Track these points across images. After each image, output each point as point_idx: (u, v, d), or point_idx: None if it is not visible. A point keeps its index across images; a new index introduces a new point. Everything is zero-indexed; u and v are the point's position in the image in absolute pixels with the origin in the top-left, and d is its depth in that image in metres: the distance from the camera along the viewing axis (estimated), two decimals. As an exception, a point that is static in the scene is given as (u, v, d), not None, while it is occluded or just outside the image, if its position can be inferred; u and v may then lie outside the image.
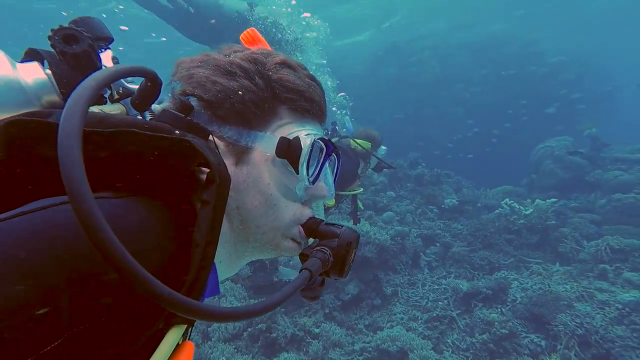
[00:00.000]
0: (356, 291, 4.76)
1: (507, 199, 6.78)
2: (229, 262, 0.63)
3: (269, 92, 0.61)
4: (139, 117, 0.60)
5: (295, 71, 0.63)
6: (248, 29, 0.75)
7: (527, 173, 8.85)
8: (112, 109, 0.61)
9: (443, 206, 7.31)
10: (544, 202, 6.51)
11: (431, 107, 16.24)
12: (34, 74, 0.56)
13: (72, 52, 0.55)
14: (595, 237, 5.64)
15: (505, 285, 4.82)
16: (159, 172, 0.44)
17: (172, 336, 0.41)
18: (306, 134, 0.61)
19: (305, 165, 0.60)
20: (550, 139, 8.21)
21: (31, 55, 0.58)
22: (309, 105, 0.63)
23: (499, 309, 4.48)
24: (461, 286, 4.78)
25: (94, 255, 0.33)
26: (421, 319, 4.53)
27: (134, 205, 0.41)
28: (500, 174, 10.78)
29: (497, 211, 6.66)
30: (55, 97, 0.56)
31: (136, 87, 0.62)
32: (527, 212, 6.34)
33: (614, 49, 19.10)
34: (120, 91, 0.66)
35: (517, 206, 6.52)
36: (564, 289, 4.31)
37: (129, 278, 0.32)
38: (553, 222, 6.12)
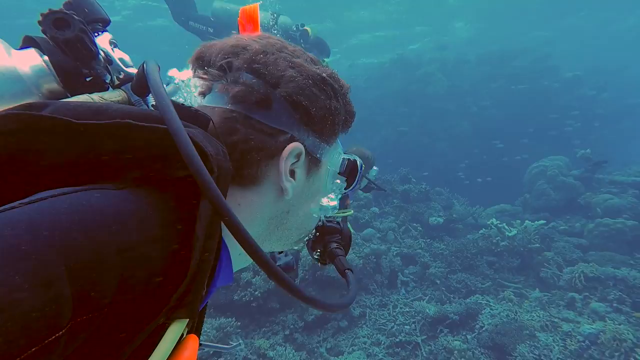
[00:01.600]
0: (320, 312, 4.73)
1: (494, 219, 6.61)
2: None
3: (344, 116, 0.67)
4: (142, 103, 0.62)
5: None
6: (253, 5, 0.73)
7: (523, 192, 8.61)
8: (113, 95, 0.60)
9: (428, 224, 7.20)
10: (532, 223, 6.31)
11: (437, 121, 16.05)
12: (30, 60, 0.55)
13: (64, 37, 0.55)
14: (579, 262, 5.42)
15: (476, 311, 4.67)
16: (157, 163, 0.44)
17: (174, 330, 0.41)
18: (356, 159, 0.72)
19: (357, 183, 0.71)
20: (544, 158, 7.98)
21: (28, 42, 0.58)
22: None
23: (465, 336, 4.36)
24: (428, 310, 4.68)
25: (93, 245, 0.33)
26: (384, 343, 4.44)
27: (135, 196, 0.41)
28: (505, 192, 10.50)
29: (481, 231, 6.49)
30: (54, 85, 0.56)
31: (135, 71, 0.61)
32: (510, 234, 6.16)
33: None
34: (121, 76, 0.65)
35: (505, 227, 6.35)
36: (529, 318, 4.14)
37: (262, 267, 0.45)
38: (537, 245, 5.91)
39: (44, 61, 0.56)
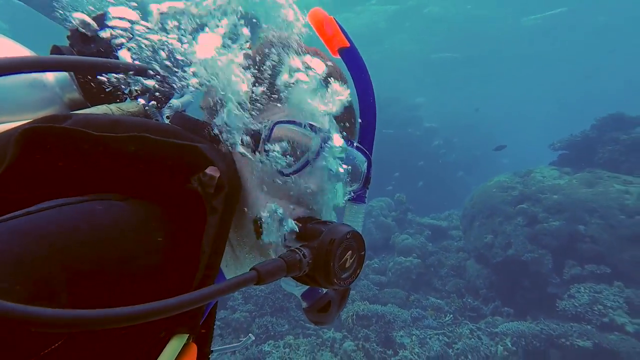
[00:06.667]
0: None
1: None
2: (234, 268, 0.64)
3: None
4: (157, 114, 0.63)
5: None
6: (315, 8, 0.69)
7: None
8: (130, 106, 0.63)
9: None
10: (352, 261, 6.67)
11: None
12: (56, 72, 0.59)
13: (89, 52, 0.61)
14: (373, 300, 5.79)
15: (258, 359, 4.52)
16: (167, 176, 0.45)
17: (174, 345, 0.41)
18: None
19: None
20: (374, 199, 8.78)
21: (55, 53, 0.63)
22: None
23: (232, 391, 4.10)
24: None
25: (93, 255, 0.34)
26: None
27: (138, 207, 0.41)
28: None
29: (302, 271, 6.62)
30: (76, 95, 0.62)
31: (153, 83, 0.65)
32: (324, 273, 6.39)
33: (489, 118, 22.75)
34: (139, 88, 0.66)
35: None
36: (294, 365, 4.14)
37: None
38: (345, 284, 6.21)
39: (69, 73, 0.61)
